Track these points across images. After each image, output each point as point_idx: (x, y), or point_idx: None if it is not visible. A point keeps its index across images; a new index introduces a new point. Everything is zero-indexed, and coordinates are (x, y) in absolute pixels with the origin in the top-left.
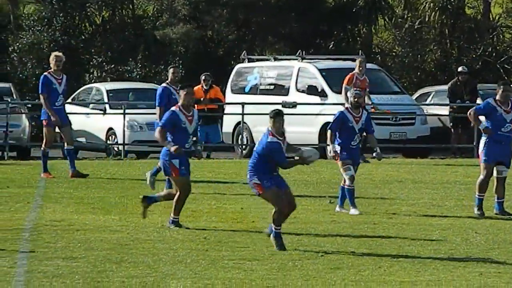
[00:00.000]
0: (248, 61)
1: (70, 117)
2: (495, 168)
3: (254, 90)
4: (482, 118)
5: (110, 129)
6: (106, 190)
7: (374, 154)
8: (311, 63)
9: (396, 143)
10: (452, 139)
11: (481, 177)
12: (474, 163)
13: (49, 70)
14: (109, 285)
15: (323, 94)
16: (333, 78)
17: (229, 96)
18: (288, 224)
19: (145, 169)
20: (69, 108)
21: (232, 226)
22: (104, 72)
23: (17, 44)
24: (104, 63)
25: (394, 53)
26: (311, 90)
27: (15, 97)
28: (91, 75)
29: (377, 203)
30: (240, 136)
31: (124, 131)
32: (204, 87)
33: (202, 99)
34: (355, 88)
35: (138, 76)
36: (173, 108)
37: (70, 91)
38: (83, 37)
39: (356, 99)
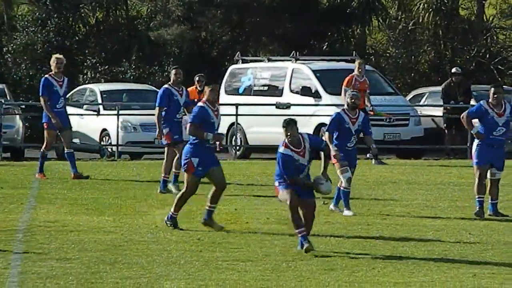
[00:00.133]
0: (242, 62)
1: None
2: (488, 170)
3: (248, 91)
4: (475, 121)
5: (104, 130)
6: (100, 191)
7: (369, 154)
8: (305, 64)
9: (390, 144)
10: (446, 140)
11: (476, 180)
12: (468, 164)
13: (50, 73)
14: (102, 286)
15: (317, 95)
16: (327, 79)
17: (223, 97)
18: (282, 225)
19: (139, 170)
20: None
21: (226, 227)
22: (98, 73)
23: (11, 45)
24: (98, 64)
25: (388, 54)
26: (305, 91)
27: (9, 98)
28: (85, 76)
29: (371, 204)
30: (234, 137)
31: (118, 132)
32: (198, 88)
33: (196, 100)
34: (351, 90)
35: (132, 77)
36: (200, 104)
37: None
38: (77, 38)
39: (352, 100)
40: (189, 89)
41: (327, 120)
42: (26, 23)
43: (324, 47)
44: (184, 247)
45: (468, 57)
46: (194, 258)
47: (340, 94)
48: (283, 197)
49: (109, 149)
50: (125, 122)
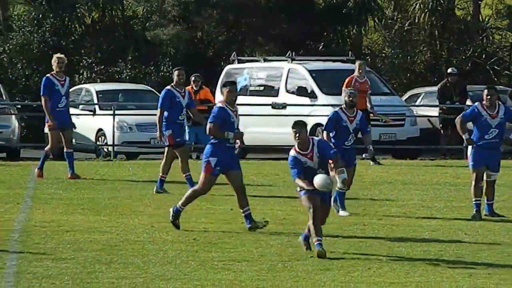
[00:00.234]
0: (238, 62)
1: None
2: (484, 172)
3: (244, 91)
4: (470, 124)
5: (100, 130)
6: (95, 191)
7: (365, 155)
8: (301, 64)
9: (386, 144)
10: (442, 140)
11: (472, 183)
12: (464, 164)
13: (52, 72)
14: (98, 286)
15: (312, 95)
16: (323, 79)
17: (219, 97)
18: (278, 225)
19: (135, 170)
20: None
21: (221, 227)
22: (94, 73)
23: (7, 45)
24: (94, 64)
25: (384, 54)
26: (301, 91)
27: (4, 98)
28: (81, 76)
29: (367, 204)
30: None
31: (114, 132)
32: (194, 88)
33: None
34: (349, 88)
35: (128, 77)
36: (219, 104)
37: None
38: (73, 38)
39: (350, 98)
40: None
41: (323, 120)
42: (22, 23)
43: (320, 47)
44: (180, 247)
45: (464, 57)
46: (190, 258)
47: (336, 95)
48: (305, 203)
49: (105, 149)
50: (121, 122)
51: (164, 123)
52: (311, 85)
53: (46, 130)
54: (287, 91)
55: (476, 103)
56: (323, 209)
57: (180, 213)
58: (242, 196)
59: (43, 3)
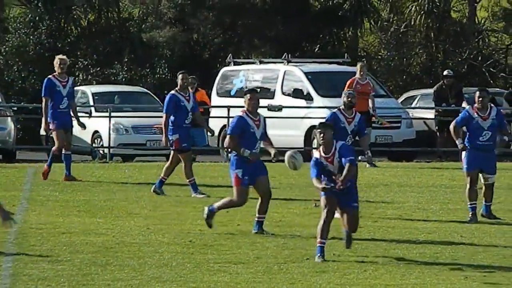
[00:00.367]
0: (234, 64)
1: None
2: (481, 175)
3: (240, 93)
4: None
5: (96, 132)
6: (91, 193)
7: (361, 157)
8: (297, 66)
9: (382, 146)
10: (438, 142)
11: (467, 186)
12: (460, 167)
13: (54, 73)
14: None
15: (308, 98)
16: (319, 81)
17: (215, 99)
18: (274, 227)
19: (131, 172)
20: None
21: (217, 229)
22: (89, 75)
23: (3, 47)
24: (90, 66)
25: (379, 57)
26: (297, 93)
27: (0, 100)
28: (77, 78)
29: (363, 207)
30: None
31: (109, 134)
32: (190, 90)
33: None
34: (348, 89)
35: (123, 79)
36: (239, 114)
37: None
38: (69, 40)
39: (349, 99)
40: None
41: (318, 122)
42: (18, 25)
43: (316, 49)
44: (176, 249)
45: (460, 59)
46: (185, 260)
47: (332, 97)
48: (322, 204)
49: (101, 151)
50: (117, 124)
51: (170, 127)
52: (307, 87)
53: (42, 132)
54: (283, 93)
55: (467, 107)
56: (349, 213)
57: (214, 214)
58: (266, 202)
59: (39, 5)
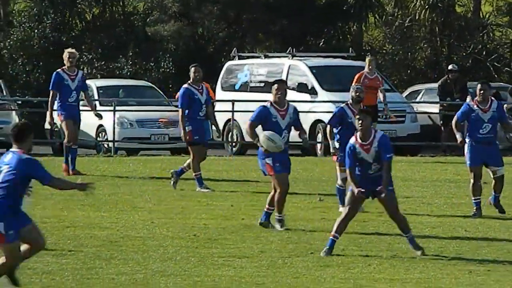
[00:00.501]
0: (239, 59)
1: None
2: (488, 170)
3: (245, 87)
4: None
5: (100, 126)
6: (96, 187)
7: None
8: (302, 61)
9: None
10: (442, 137)
11: (471, 181)
12: (464, 161)
13: (63, 67)
14: (98, 282)
15: (313, 92)
16: (323, 75)
17: (219, 94)
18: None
19: (135, 166)
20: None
21: (221, 223)
22: (94, 69)
23: (8, 40)
24: (95, 60)
25: (384, 51)
26: (301, 87)
27: (5, 94)
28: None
29: (367, 201)
30: (230, 133)
31: (114, 128)
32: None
33: None
34: (356, 84)
35: (128, 73)
36: (264, 103)
37: None
38: (74, 34)
39: (357, 94)
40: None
41: (323, 117)
42: (22, 18)
43: (321, 43)
44: (180, 243)
45: (464, 54)
46: (190, 254)
47: (336, 91)
48: (347, 199)
49: (106, 145)
50: (122, 118)
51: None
52: (312, 81)
53: (47, 125)
54: (288, 87)
55: (468, 100)
56: (384, 200)
57: (283, 219)
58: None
59: None
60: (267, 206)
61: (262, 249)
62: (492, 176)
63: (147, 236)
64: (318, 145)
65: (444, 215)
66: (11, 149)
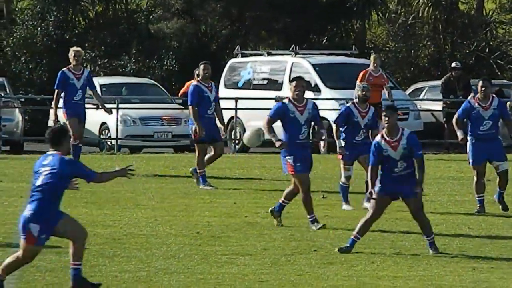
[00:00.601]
0: (242, 56)
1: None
2: (492, 166)
3: (248, 85)
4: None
5: (103, 123)
6: (98, 184)
7: None
8: (305, 58)
9: None
10: (445, 134)
11: (474, 179)
12: (467, 158)
13: (68, 66)
14: (101, 280)
15: (316, 89)
16: (327, 73)
17: (222, 91)
18: (282, 219)
19: (138, 163)
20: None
21: (225, 221)
22: (97, 67)
23: (11, 38)
24: (98, 58)
25: (387, 48)
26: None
27: (8, 91)
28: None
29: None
30: (233, 131)
31: (117, 125)
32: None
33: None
34: (362, 82)
35: (131, 71)
36: (284, 100)
37: None
38: (77, 32)
39: (363, 93)
40: (187, 83)
41: (326, 114)
42: (25, 16)
43: (324, 41)
44: (183, 240)
45: (467, 51)
46: (193, 252)
47: (339, 89)
48: (374, 202)
49: (109, 143)
50: (125, 115)
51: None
52: (315, 79)
53: (50, 123)
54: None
55: (469, 97)
56: (410, 202)
57: (315, 218)
58: (296, 194)
59: None
60: (282, 198)
61: (265, 247)
62: (495, 172)
63: (150, 233)
64: (322, 143)
65: (448, 212)
66: (48, 152)
